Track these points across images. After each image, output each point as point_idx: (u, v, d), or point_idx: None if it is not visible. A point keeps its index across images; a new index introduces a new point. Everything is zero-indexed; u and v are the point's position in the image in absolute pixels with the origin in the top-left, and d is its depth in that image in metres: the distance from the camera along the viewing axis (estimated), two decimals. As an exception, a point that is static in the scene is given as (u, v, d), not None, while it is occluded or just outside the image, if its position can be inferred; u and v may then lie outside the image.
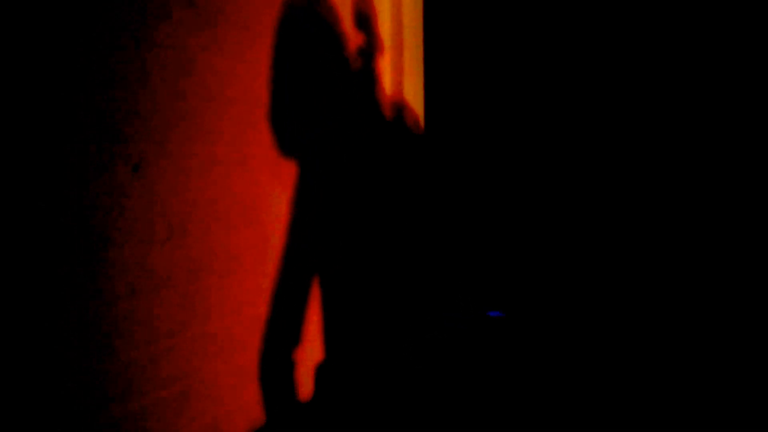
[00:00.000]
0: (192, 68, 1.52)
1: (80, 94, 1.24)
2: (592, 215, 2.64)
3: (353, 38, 2.30)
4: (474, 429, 1.76)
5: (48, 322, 1.22)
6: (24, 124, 1.15)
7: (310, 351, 2.05)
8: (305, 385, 2.03)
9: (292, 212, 1.93)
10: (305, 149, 1.99)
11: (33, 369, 1.20)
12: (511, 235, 2.82)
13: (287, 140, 1.89)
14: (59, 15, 1.21)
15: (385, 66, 2.57)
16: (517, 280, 2.81)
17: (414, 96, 2.72)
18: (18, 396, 1.17)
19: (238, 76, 1.68)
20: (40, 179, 1.18)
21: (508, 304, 2.72)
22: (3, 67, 1.11)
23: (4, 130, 1.12)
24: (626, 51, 2.43)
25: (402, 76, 2.64)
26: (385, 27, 2.54)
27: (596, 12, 2.46)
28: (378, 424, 1.84)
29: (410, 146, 2.61)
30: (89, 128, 1.27)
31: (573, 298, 2.69)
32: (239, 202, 1.69)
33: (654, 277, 2.54)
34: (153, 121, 1.41)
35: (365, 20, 2.37)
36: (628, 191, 2.55)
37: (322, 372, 2.09)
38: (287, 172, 1.91)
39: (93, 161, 1.28)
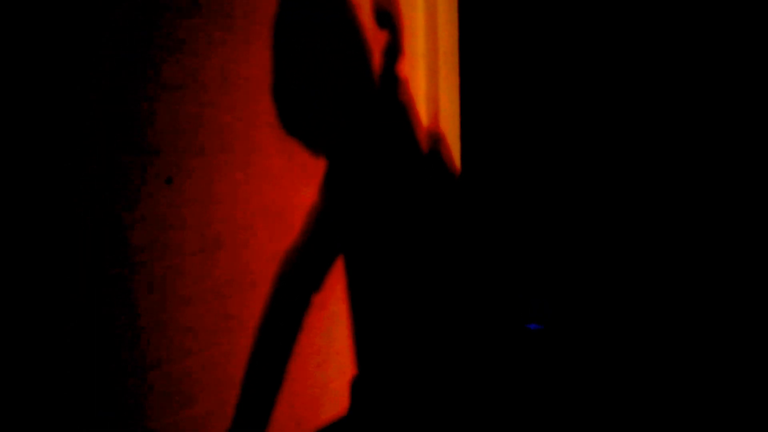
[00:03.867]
0: (224, 77, 1.58)
1: (113, 106, 1.31)
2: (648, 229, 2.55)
3: (388, 67, 2.33)
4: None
5: (75, 336, 1.25)
6: (54, 135, 1.22)
7: (344, 365, 2.02)
8: (342, 398, 1.99)
9: (324, 223, 1.94)
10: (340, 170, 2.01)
11: (58, 385, 1.23)
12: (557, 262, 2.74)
13: (320, 151, 1.92)
14: (88, 25, 1.29)
15: (419, 95, 2.57)
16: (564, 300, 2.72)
17: (449, 125, 2.69)
18: (56, 413, 1.19)
19: (267, 86, 1.73)
20: (70, 191, 1.24)
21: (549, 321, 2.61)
22: (33, 78, 1.19)
23: (34, 142, 1.19)
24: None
25: (438, 105, 2.63)
26: (419, 59, 2.56)
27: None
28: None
29: (446, 181, 2.58)
30: (122, 140, 1.33)
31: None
32: (272, 215, 1.71)
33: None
34: (187, 132, 1.46)
35: (399, 52, 2.40)
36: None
37: (357, 386, 2.04)
38: (319, 184, 1.92)
39: (126, 173, 1.34)
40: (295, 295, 1.79)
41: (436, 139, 2.63)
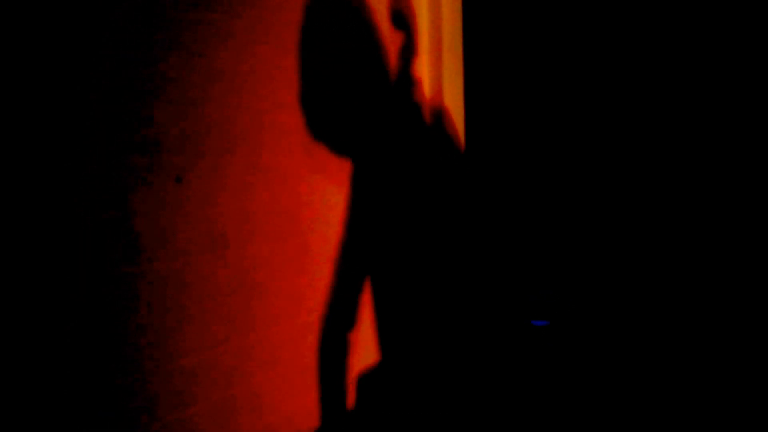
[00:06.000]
0: (223, 75, 1.52)
1: (118, 103, 1.25)
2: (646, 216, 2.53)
3: (391, 40, 2.27)
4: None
5: (82, 337, 1.22)
6: (61, 134, 1.16)
7: (360, 357, 2.02)
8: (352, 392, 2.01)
9: (338, 220, 1.91)
10: (349, 157, 1.97)
11: (64, 384, 1.21)
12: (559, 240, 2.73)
13: (331, 144, 1.88)
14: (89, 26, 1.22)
15: (423, 69, 2.53)
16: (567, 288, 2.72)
17: (454, 100, 2.66)
18: (56, 415, 1.18)
19: (273, 80, 1.67)
20: (76, 189, 1.19)
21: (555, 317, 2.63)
22: (33, 76, 1.12)
23: (41, 141, 1.13)
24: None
25: (441, 79, 2.60)
26: (423, 27, 2.50)
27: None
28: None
29: (450, 152, 2.56)
30: (131, 138, 1.27)
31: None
32: (279, 213, 1.68)
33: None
34: (193, 130, 1.41)
35: (403, 21, 2.34)
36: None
37: (365, 379, 2.05)
38: (330, 178, 1.89)
39: (135, 172, 1.29)
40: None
41: (440, 113, 2.58)
